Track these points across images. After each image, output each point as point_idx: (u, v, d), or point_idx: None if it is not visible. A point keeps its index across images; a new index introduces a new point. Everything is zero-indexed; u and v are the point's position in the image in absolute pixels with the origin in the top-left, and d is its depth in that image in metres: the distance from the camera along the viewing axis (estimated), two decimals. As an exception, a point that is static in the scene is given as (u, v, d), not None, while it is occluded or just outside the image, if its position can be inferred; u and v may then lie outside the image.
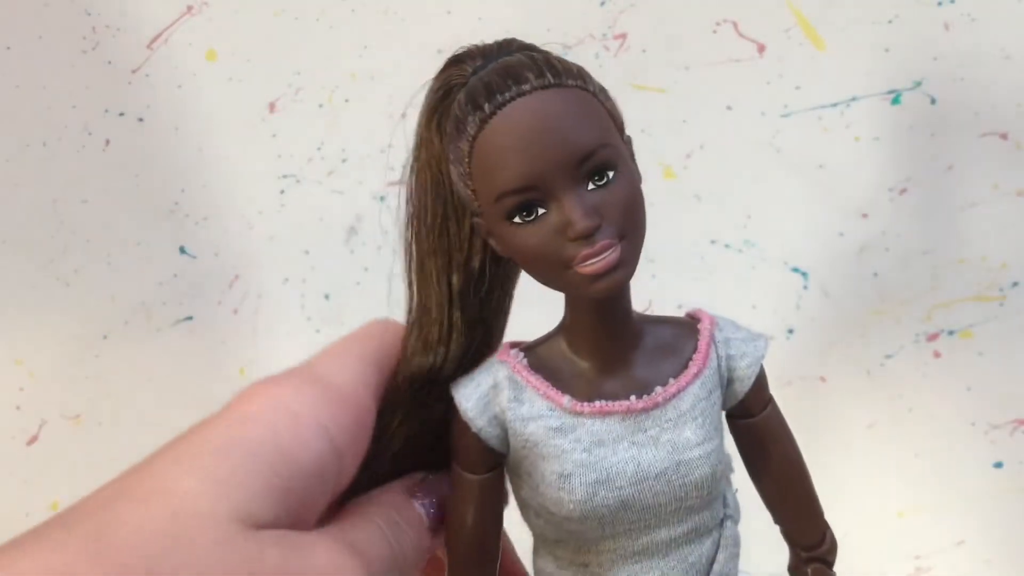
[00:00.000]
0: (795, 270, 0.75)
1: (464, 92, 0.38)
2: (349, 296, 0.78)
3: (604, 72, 0.76)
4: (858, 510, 0.81)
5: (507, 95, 0.36)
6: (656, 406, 0.38)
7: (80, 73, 0.73)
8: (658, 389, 0.39)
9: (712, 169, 0.73)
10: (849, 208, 0.72)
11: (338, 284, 0.78)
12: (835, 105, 0.70)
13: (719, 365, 0.40)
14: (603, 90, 0.38)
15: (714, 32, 0.69)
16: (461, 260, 0.41)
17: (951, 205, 0.72)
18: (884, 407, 0.78)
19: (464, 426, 0.39)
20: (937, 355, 0.76)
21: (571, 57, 0.64)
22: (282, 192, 0.76)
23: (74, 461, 0.85)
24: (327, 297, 0.78)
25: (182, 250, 0.78)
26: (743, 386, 0.41)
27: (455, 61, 0.39)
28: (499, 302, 0.42)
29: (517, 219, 0.36)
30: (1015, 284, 0.73)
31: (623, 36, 0.70)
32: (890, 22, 0.68)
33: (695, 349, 0.40)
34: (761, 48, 0.69)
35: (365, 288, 0.78)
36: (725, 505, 0.42)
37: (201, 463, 0.31)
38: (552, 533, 0.40)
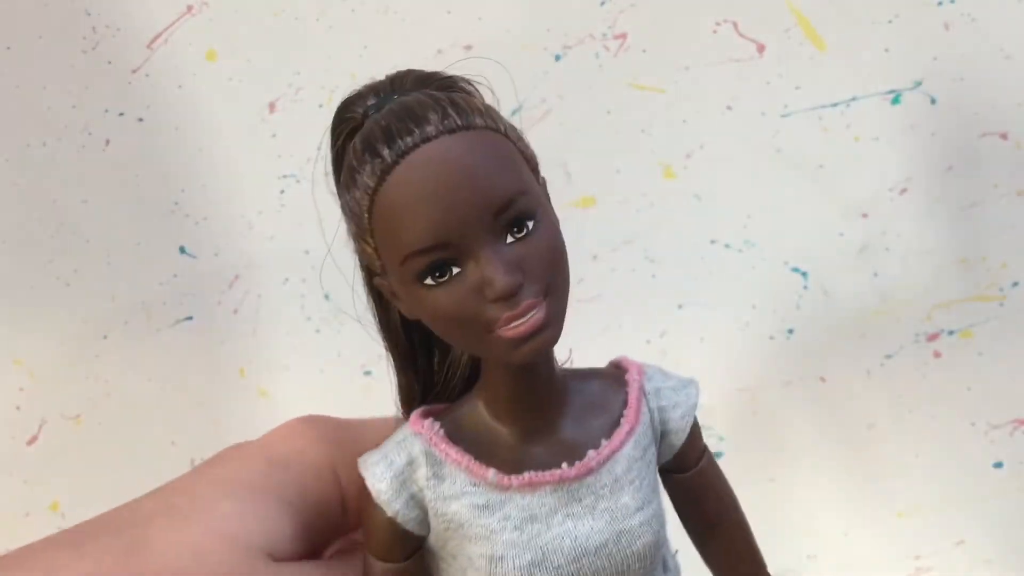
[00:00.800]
0: (795, 270, 0.75)
1: (359, 137, 0.34)
2: (349, 296, 0.78)
3: (604, 72, 0.76)
4: (858, 510, 0.81)
5: (409, 140, 0.32)
6: (590, 472, 0.35)
7: (80, 73, 0.73)
8: (591, 453, 0.35)
9: (712, 169, 0.73)
10: (849, 208, 0.72)
11: (338, 284, 0.78)
12: (835, 105, 0.70)
13: (652, 419, 0.37)
14: (513, 128, 0.35)
15: (714, 32, 0.69)
16: (388, 321, 0.38)
17: (951, 205, 0.72)
18: (884, 407, 0.78)
19: (378, 511, 0.35)
20: (937, 355, 0.76)
21: (571, 57, 0.64)
22: (282, 192, 0.76)
23: (74, 461, 0.85)
24: (327, 297, 0.78)
25: (182, 250, 0.78)
26: (678, 439, 0.38)
27: (345, 105, 0.36)
28: (436, 357, 0.39)
29: (429, 280, 0.32)
30: (1015, 284, 0.73)
31: (623, 36, 0.70)
32: (890, 22, 0.68)
33: (625, 404, 0.36)
34: (761, 48, 0.69)
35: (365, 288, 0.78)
36: (666, 569, 0.39)
37: (237, 492, 0.33)
38: None
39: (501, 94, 0.78)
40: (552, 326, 0.32)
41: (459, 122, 0.32)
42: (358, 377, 0.80)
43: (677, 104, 0.71)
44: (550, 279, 0.32)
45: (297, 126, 0.74)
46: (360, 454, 0.36)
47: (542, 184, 0.35)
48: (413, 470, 0.35)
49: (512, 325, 0.32)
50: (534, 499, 0.34)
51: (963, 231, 0.72)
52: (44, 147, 0.76)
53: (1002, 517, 0.80)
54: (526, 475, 0.34)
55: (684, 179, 0.73)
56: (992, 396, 0.76)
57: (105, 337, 0.80)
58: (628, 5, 0.69)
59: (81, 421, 0.83)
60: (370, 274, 0.38)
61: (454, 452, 0.35)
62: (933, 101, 0.69)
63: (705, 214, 0.74)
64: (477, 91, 0.36)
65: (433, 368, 0.39)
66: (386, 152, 0.32)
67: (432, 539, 0.36)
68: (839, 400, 0.78)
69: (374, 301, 0.39)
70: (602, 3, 0.70)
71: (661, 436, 0.37)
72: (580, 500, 0.35)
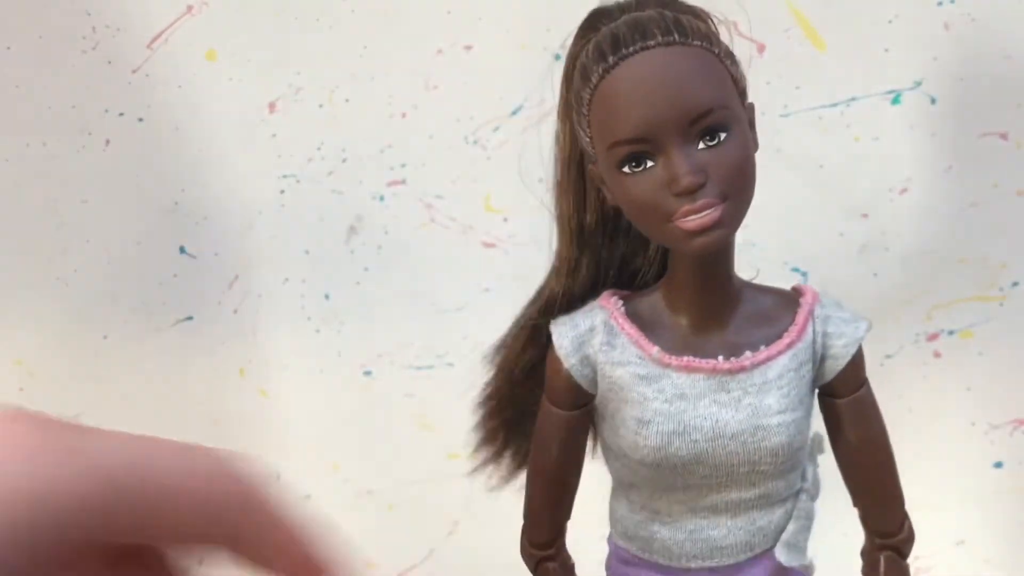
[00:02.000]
0: (795, 270, 0.75)
1: (593, 42, 0.39)
2: (349, 296, 0.78)
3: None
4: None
5: (631, 48, 0.37)
6: (743, 370, 0.40)
7: (80, 73, 0.74)
8: (747, 353, 0.40)
9: (712, 169, 0.73)
10: (849, 208, 0.72)
11: (338, 284, 0.78)
12: (835, 105, 0.70)
13: (814, 340, 0.41)
14: (730, 54, 0.39)
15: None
16: (586, 203, 0.43)
17: (951, 205, 0.72)
18: (884, 407, 0.78)
19: (558, 362, 0.41)
20: (937, 355, 0.76)
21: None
22: (282, 192, 0.76)
23: (74, 461, 0.85)
24: (327, 297, 0.78)
25: (182, 250, 0.78)
26: (836, 364, 0.42)
27: (592, 14, 0.41)
28: (624, 250, 0.44)
29: (626, 169, 0.37)
30: (1015, 284, 0.73)
31: (623, 36, 0.70)
32: (890, 22, 0.68)
33: (792, 321, 0.41)
34: (761, 48, 0.69)
35: (365, 288, 0.78)
36: (803, 479, 0.43)
37: None
38: (628, 477, 0.42)
39: (501, 94, 0.79)
40: (724, 226, 0.38)
41: (677, 38, 0.37)
42: (358, 377, 0.80)
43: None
44: (731, 186, 0.37)
45: (297, 126, 0.74)
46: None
47: (748, 108, 0.40)
48: (592, 336, 0.41)
49: (689, 218, 0.37)
50: (687, 380, 0.40)
51: (963, 231, 0.72)
52: (44, 147, 0.76)
53: (1002, 517, 0.80)
54: (685, 359, 0.40)
55: (684, 179, 0.74)
56: (992, 396, 0.76)
57: (105, 337, 0.80)
58: (628, 5, 0.69)
59: (81, 421, 0.84)
60: (580, 163, 0.42)
61: (628, 327, 0.40)
62: (933, 101, 0.69)
63: (705, 214, 0.74)
64: (712, 20, 0.40)
65: (616, 258, 0.43)
66: (610, 55, 0.37)
67: (597, 399, 0.41)
68: (839, 400, 0.78)
69: (572, 184, 0.43)
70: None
71: (821, 359, 0.41)
72: (728, 391, 0.40)
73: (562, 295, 0.44)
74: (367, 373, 0.80)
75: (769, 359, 0.40)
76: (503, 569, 0.87)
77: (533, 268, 0.80)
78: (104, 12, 0.72)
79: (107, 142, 0.75)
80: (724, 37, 0.41)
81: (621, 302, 0.42)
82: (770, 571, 0.42)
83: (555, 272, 0.45)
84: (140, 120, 0.75)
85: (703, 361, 0.40)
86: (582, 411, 0.42)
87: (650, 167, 0.37)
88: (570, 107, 0.41)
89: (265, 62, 0.72)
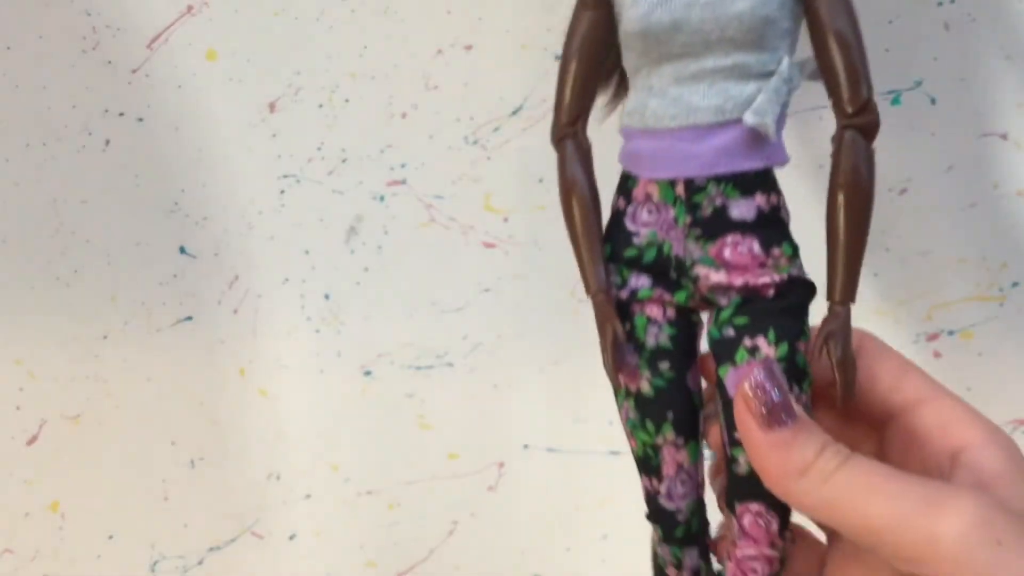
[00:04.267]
0: (795, 270, 0.75)
1: None
2: (349, 296, 0.78)
3: (604, 72, 0.75)
4: (858, 510, 0.81)
5: None
6: None
7: (80, 73, 0.74)
8: None
9: (712, 169, 0.73)
10: (849, 208, 0.72)
11: (338, 284, 0.78)
12: (835, 105, 0.70)
13: None
14: None
15: (714, 32, 0.69)
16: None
17: (951, 205, 0.72)
18: (884, 407, 0.78)
19: None
20: (937, 355, 0.76)
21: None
22: (282, 192, 0.76)
23: (74, 461, 0.85)
24: (327, 297, 0.78)
25: (182, 250, 0.78)
26: None
27: None
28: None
29: None
30: (1015, 284, 0.73)
31: (623, 36, 0.70)
32: (890, 22, 0.68)
33: None
34: (761, 48, 0.69)
35: (365, 288, 0.78)
36: (779, 64, 0.47)
37: None
38: (632, 60, 0.48)
39: (501, 94, 0.79)
40: None
41: None
42: (358, 377, 0.80)
43: (677, 104, 0.71)
44: None
45: (297, 126, 0.74)
46: None
47: None
48: None
49: None
50: None
51: (963, 231, 0.72)
52: (44, 147, 0.76)
53: (1002, 517, 0.80)
54: None
55: (684, 179, 0.74)
56: (992, 396, 0.76)
57: (105, 337, 0.81)
58: (628, 5, 0.69)
59: (81, 421, 0.84)
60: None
61: None
62: (933, 101, 0.69)
63: (705, 214, 0.74)
64: None
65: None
66: None
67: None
68: (839, 400, 0.78)
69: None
70: None
71: None
72: None
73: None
74: (367, 373, 0.80)
75: None
76: (503, 570, 0.87)
77: (533, 268, 0.81)
78: (104, 12, 0.72)
79: (107, 142, 0.75)
80: None
81: None
82: (740, 136, 0.48)
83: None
84: (140, 120, 0.75)
85: None
86: (605, 9, 0.48)
87: None
88: None
89: (265, 62, 0.73)
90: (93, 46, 0.73)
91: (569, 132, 0.51)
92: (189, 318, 0.80)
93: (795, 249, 0.51)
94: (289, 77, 0.73)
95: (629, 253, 0.49)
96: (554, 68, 0.68)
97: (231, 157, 0.75)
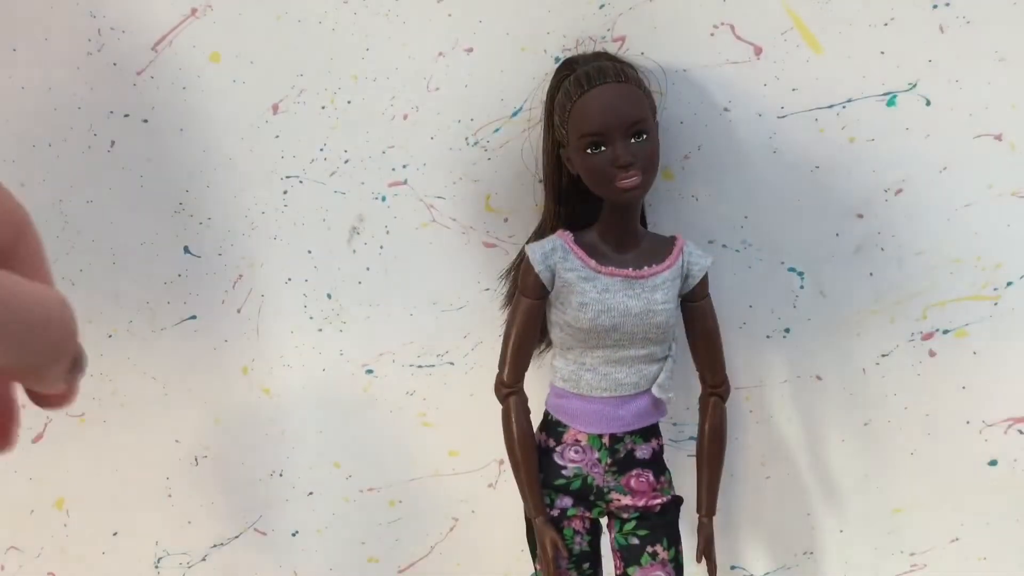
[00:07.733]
0: (791, 270, 0.75)
1: (573, 78, 0.65)
2: (351, 295, 0.79)
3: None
4: (853, 507, 0.82)
5: (596, 82, 0.64)
6: (643, 277, 0.67)
7: (85, 75, 0.74)
8: (646, 268, 0.67)
9: (710, 170, 0.73)
10: (845, 208, 0.73)
11: (340, 283, 0.79)
12: (831, 106, 0.70)
13: (682, 264, 0.68)
14: (648, 89, 0.66)
15: (712, 35, 0.70)
16: (561, 174, 0.69)
17: (946, 205, 0.72)
18: (879, 405, 0.78)
19: (531, 268, 0.67)
20: (932, 354, 0.76)
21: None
22: (285, 192, 0.76)
23: (79, 459, 0.85)
24: (329, 296, 0.79)
25: (186, 250, 0.79)
26: (694, 281, 0.69)
27: (568, 63, 0.68)
28: (577, 203, 0.70)
29: (589, 151, 0.64)
30: (1009, 284, 0.74)
31: (622, 39, 0.71)
32: (886, 25, 0.68)
33: (670, 253, 0.68)
34: (758, 50, 0.70)
35: (367, 287, 0.78)
36: (671, 349, 0.70)
37: None
38: (567, 342, 0.69)
39: (501, 95, 0.80)
40: (642, 188, 0.64)
41: (622, 79, 0.64)
42: (360, 375, 0.81)
43: (675, 106, 0.72)
44: (647, 165, 0.64)
45: (300, 127, 0.75)
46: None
47: (656, 122, 0.66)
48: (553, 252, 0.67)
49: (622, 181, 0.63)
50: (610, 281, 0.67)
51: (958, 231, 0.73)
52: (50, 148, 0.76)
53: (996, 515, 0.81)
54: (610, 268, 0.67)
55: (682, 180, 0.74)
56: (987, 395, 0.77)
57: (110, 336, 0.81)
58: (627, 8, 0.70)
59: (85, 420, 0.84)
60: (556, 152, 0.68)
61: (576, 248, 0.67)
62: (928, 103, 0.70)
63: (703, 214, 0.75)
64: (635, 68, 0.66)
65: (574, 209, 0.70)
66: (585, 84, 0.64)
67: (552, 294, 0.68)
68: (835, 398, 0.79)
69: (552, 166, 0.69)
70: (601, 6, 0.70)
71: (685, 277, 0.69)
72: (633, 289, 0.67)
73: (537, 232, 0.73)
74: (369, 371, 0.81)
75: (657, 272, 0.67)
76: (503, 565, 0.88)
77: (533, 268, 0.80)
78: (109, 15, 0.73)
79: (112, 143, 0.76)
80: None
81: (572, 234, 0.68)
82: (648, 402, 0.70)
83: (546, 216, 0.71)
84: (145, 121, 0.75)
85: (620, 270, 0.67)
86: (542, 301, 0.69)
87: (603, 151, 0.64)
88: (551, 115, 0.68)
89: (268, 64, 0.73)
90: (98, 48, 0.74)
91: (514, 391, 0.70)
92: (193, 317, 0.81)
93: (670, 475, 0.72)
94: (292, 79, 0.73)
95: (559, 482, 0.71)
96: (554, 70, 0.68)
97: (235, 158, 0.76)
